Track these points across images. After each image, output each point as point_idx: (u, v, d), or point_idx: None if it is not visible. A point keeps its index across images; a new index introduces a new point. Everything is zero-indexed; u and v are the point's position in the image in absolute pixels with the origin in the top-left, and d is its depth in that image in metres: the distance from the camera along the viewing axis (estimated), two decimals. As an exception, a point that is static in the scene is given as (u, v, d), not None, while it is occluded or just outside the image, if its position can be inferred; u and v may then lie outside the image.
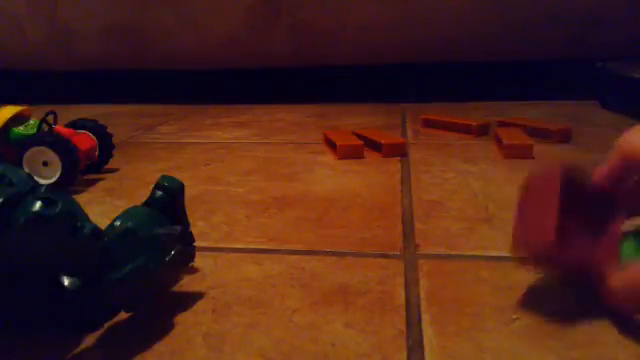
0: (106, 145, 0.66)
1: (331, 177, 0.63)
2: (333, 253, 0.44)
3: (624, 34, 0.98)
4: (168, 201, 0.36)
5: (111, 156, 0.68)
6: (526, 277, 0.36)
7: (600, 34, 0.99)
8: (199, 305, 0.37)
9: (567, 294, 0.36)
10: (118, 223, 0.33)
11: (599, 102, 0.94)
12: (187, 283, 0.40)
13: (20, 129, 0.61)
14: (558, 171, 0.33)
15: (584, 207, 0.34)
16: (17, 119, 0.62)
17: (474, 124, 0.79)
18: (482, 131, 0.79)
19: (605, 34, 0.98)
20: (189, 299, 0.38)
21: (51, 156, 0.58)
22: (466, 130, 0.79)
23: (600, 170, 0.34)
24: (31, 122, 0.63)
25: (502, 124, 0.80)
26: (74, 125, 0.65)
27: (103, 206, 0.56)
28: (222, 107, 1.06)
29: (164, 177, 0.37)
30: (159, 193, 0.36)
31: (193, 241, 0.40)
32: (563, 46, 1.01)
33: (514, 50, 1.02)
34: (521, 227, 0.34)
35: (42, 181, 0.58)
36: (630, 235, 0.34)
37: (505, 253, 0.42)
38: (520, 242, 0.34)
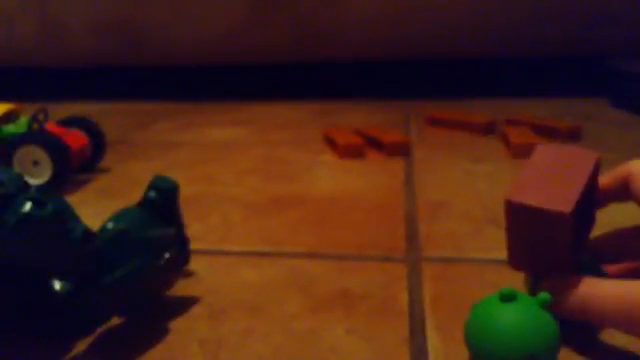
0: (98, 144, 0.65)
1: (332, 177, 0.62)
2: (334, 256, 0.43)
3: (633, 31, 0.97)
4: (162, 202, 0.36)
5: (104, 155, 0.67)
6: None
7: (608, 31, 0.98)
8: (194, 310, 0.36)
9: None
10: (111, 225, 0.33)
11: (608, 99, 0.94)
12: (182, 287, 0.39)
13: (10, 127, 0.60)
14: (595, 157, 0.32)
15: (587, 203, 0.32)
16: (6, 117, 0.61)
17: (480, 122, 0.78)
18: (489, 129, 0.78)
19: (613, 31, 0.97)
20: (184, 304, 0.37)
21: (42, 155, 0.57)
22: (472, 128, 0.78)
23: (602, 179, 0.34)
24: (21, 120, 0.62)
25: (509, 122, 0.79)
26: (65, 123, 0.64)
27: (95, 207, 0.55)
28: (219, 104, 1.05)
29: (158, 177, 0.37)
30: (153, 194, 0.36)
31: (188, 243, 0.39)
32: (570, 42, 1.00)
33: (520, 47, 1.01)
34: (525, 189, 0.32)
35: (32, 181, 0.57)
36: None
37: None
38: (521, 202, 0.32)
